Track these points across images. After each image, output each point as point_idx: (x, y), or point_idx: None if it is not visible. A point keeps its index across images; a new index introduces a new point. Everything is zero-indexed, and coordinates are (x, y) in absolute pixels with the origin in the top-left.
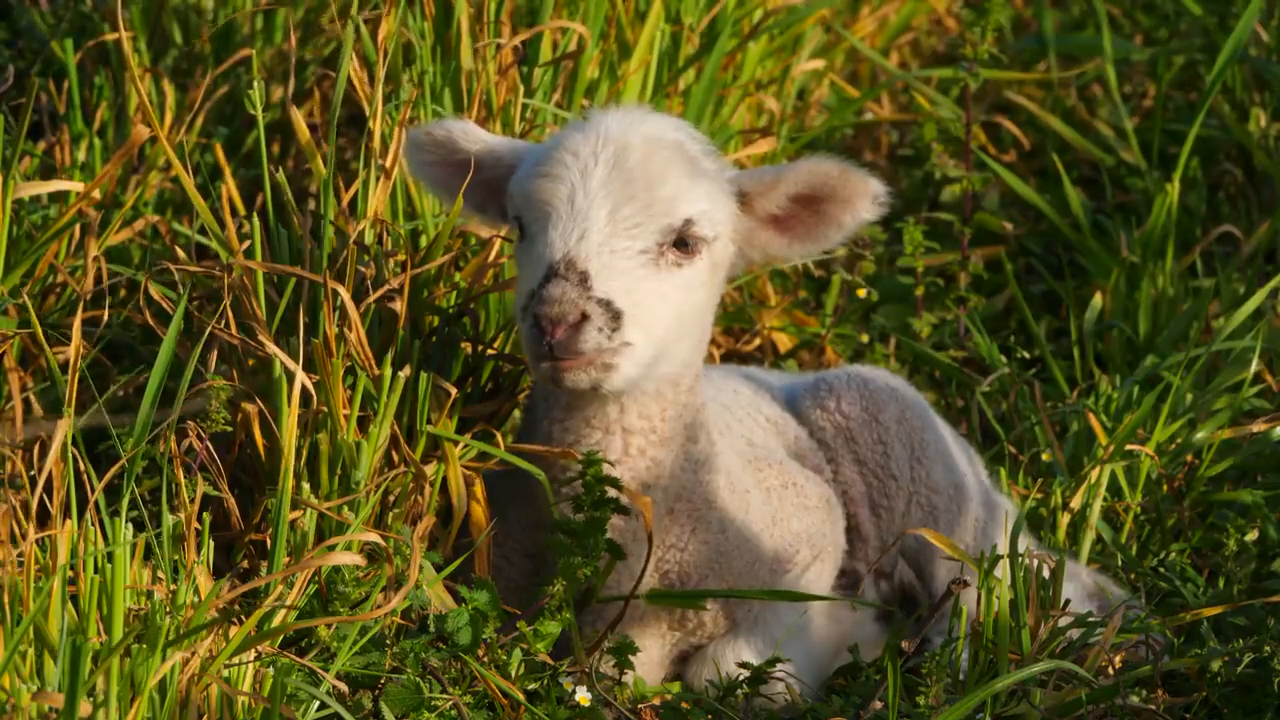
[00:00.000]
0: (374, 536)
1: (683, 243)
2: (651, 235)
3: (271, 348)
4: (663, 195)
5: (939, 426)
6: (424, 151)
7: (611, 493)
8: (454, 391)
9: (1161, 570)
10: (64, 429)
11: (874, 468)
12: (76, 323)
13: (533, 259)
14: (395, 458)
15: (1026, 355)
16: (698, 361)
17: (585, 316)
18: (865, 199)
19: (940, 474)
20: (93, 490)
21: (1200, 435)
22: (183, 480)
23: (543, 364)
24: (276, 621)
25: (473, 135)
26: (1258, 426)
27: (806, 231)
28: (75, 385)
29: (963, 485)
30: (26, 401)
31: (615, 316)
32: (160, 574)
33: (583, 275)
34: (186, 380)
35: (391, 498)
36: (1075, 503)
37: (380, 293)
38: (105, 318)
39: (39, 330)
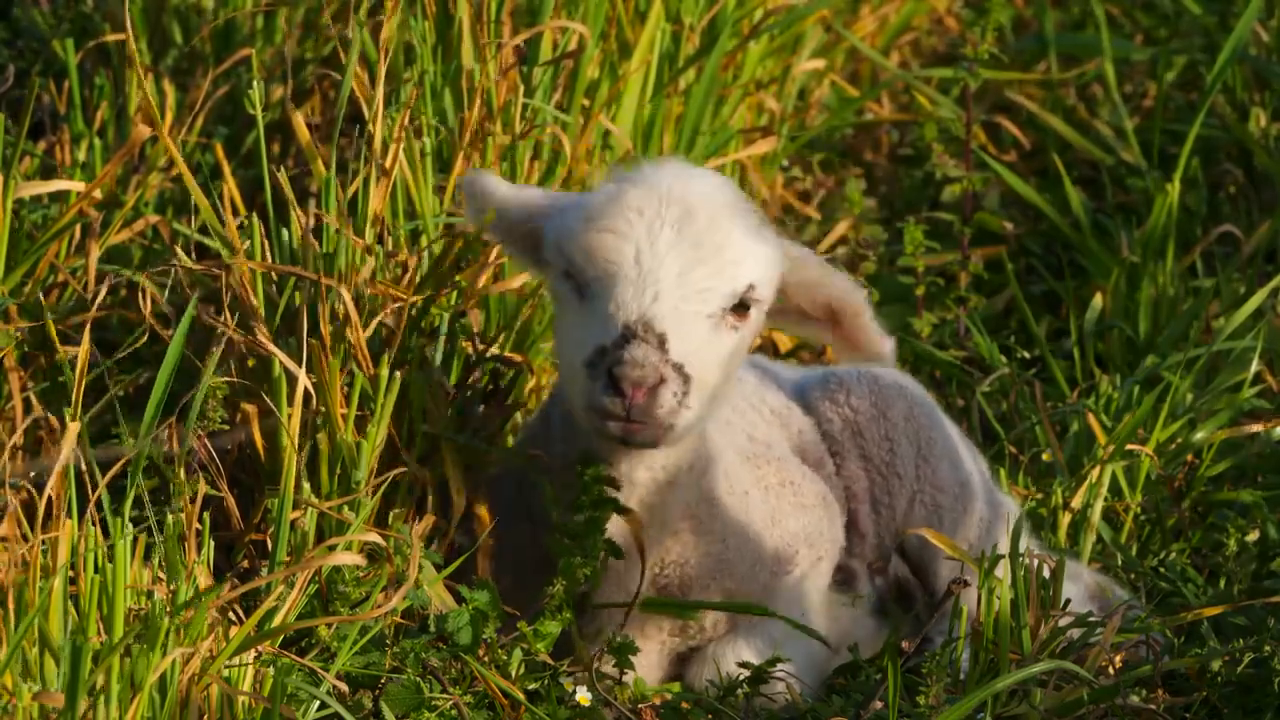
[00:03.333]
0: (374, 536)
1: (742, 306)
2: (718, 300)
3: (270, 347)
4: (729, 260)
5: (946, 425)
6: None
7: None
8: (454, 392)
9: (1161, 570)
10: (71, 436)
11: (879, 464)
12: (87, 330)
13: (595, 314)
14: (396, 458)
15: (1026, 355)
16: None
17: (662, 380)
18: (877, 356)
19: (946, 472)
20: (94, 490)
21: (1200, 435)
22: (184, 480)
23: (612, 423)
24: (277, 621)
25: (499, 195)
26: (1258, 426)
27: (818, 333)
28: (81, 389)
29: (968, 484)
30: (26, 401)
31: (686, 380)
32: (160, 574)
33: (661, 338)
34: (204, 387)
35: (394, 498)
36: (1076, 503)
37: (380, 292)
38: (100, 316)
39: (53, 330)
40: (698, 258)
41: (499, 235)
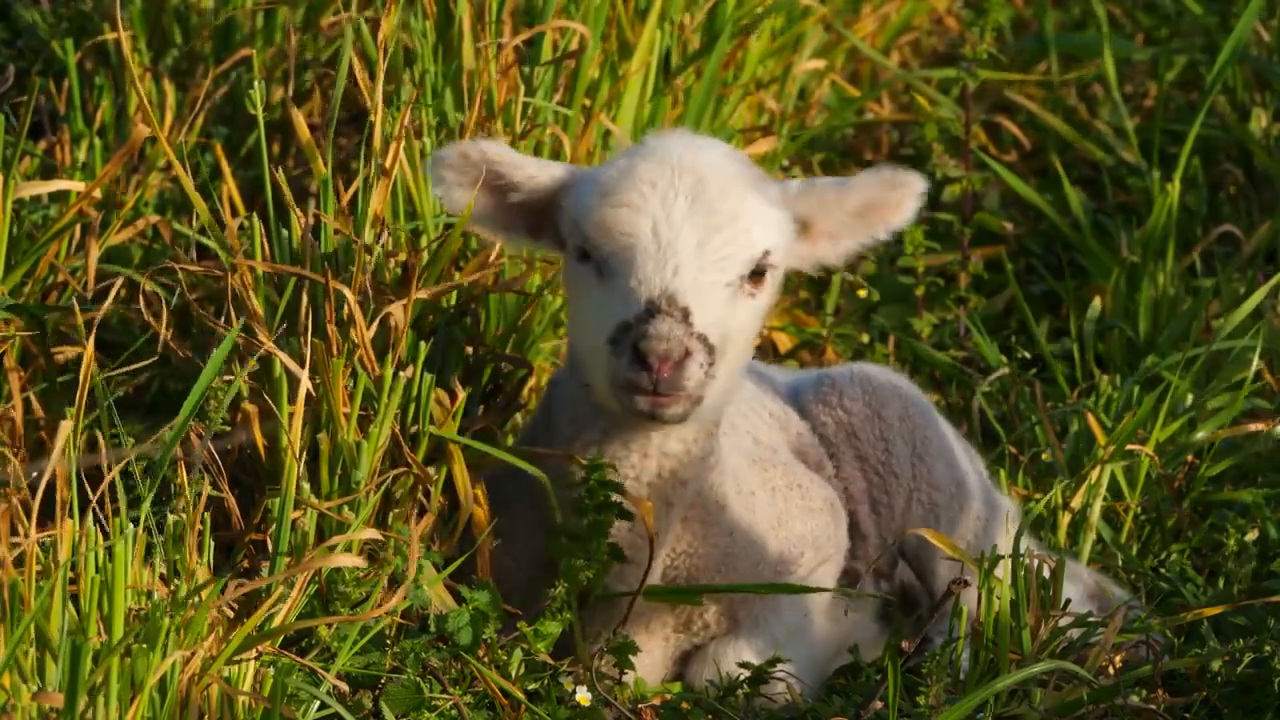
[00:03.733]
0: (373, 534)
1: (759, 272)
2: (736, 268)
3: (271, 347)
4: (744, 227)
5: (941, 425)
6: (454, 172)
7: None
8: (461, 393)
9: (1161, 570)
10: (65, 431)
11: (875, 464)
12: (94, 329)
13: (615, 290)
14: (398, 458)
15: (1026, 355)
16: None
17: (688, 353)
18: (913, 199)
19: (942, 471)
20: (95, 490)
21: (1200, 435)
22: (185, 480)
23: (639, 397)
24: (277, 622)
25: (513, 160)
26: (1258, 426)
27: (852, 236)
28: (86, 388)
29: (964, 483)
30: (26, 401)
31: (711, 351)
32: (161, 574)
33: (685, 311)
34: (230, 392)
35: (397, 496)
36: (1075, 503)
37: (380, 293)
38: (104, 317)
39: (77, 320)
40: (713, 226)
41: (493, 223)
